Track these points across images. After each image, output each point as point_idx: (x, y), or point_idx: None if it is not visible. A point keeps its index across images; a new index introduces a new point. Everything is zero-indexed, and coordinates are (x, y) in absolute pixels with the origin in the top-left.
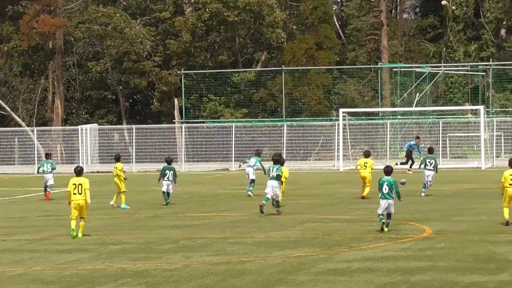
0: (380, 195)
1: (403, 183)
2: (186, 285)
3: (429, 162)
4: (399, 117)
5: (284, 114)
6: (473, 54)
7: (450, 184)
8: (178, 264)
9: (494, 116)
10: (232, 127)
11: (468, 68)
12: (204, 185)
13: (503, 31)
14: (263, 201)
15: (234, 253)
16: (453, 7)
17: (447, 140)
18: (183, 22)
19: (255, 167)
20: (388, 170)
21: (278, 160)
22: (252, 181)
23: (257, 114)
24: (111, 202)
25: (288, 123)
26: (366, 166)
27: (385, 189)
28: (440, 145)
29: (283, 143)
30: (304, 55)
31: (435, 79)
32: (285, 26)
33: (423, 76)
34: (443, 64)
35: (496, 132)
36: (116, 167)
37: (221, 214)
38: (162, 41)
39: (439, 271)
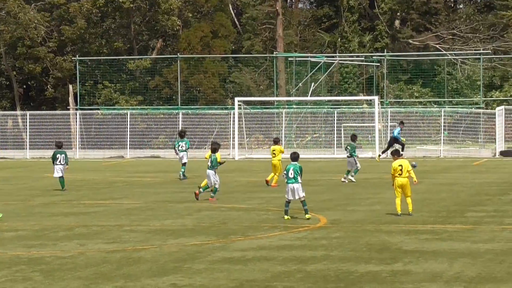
0: (286, 180)
1: (414, 166)
2: (81, 273)
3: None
4: (294, 106)
5: (179, 102)
6: (368, 44)
7: (343, 174)
8: (73, 251)
9: (389, 106)
10: (127, 114)
11: (363, 58)
12: (99, 172)
13: (397, 22)
14: (201, 189)
15: (129, 241)
16: None
17: (342, 130)
18: (78, 8)
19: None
20: (294, 157)
21: (215, 149)
22: (184, 164)
23: (153, 102)
24: None
25: (184, 111)
26: (275, 154)
27: (291, 173)
28: (335, 135)
29: (178, 131)
30: (200, 43)
31: (330, 69)
32: (180, 13)
33: (318, 66)
34: (338, 54)
35: (390, 122)
36: None
37: (117, 202)
38: (57, 26)
39: (334, 260)
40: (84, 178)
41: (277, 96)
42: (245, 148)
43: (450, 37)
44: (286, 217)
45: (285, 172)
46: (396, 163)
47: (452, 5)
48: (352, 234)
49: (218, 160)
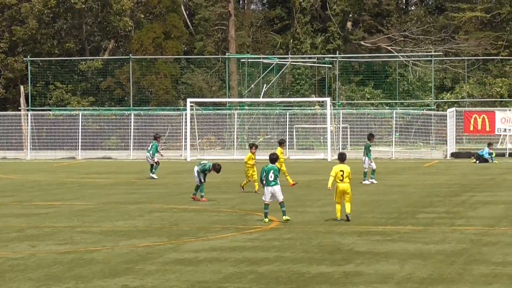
0: (264, 182)
1: None
2: (32, 274)
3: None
4: (246, 107)
5: (131, 103)
6: (320, 46)
7: (296, 175)
8: (24, 253)
9: (340, 108)
10: (79, 115)
11: (315, 60)
12: (51, 173)
13: (349, 24)
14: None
15: (81, 242)
16: None
17: (294, 131)
18: (29, 8)
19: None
20: (273, 158)
21: None
22: (157, 163)
23: (104, 103)
24: None
25: (136, 112)
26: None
27: (271, 176)
28: (287, 137)
29: (130, 132)
30: (152, 44)
31: (282, 71)
32: (132, 14)
33: (271, 67)
34: (290, 56)
35: (342, 124)
36: None
37: (68, 203)
38: (8, 27)
39: (286, 261)
40: (35, 179)
41: (229, 97)
42: (197, 149)
43: (402, 39)
44: (266, 220)
45: (264, 174)
46: (337, 168)
47: (404, 7)
48: (304, 235)
49: None
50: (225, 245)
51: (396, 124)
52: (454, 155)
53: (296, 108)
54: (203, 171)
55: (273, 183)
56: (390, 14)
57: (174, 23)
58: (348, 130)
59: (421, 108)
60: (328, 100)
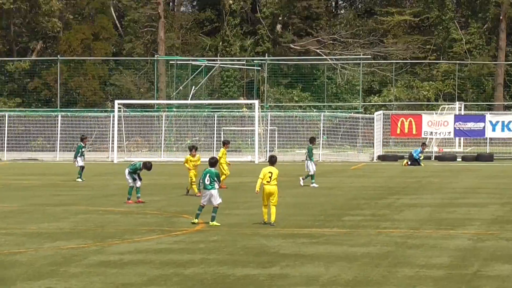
0: (202, 186)
1: None
2: None
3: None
4: (174, 109)
5: (59, 104)
6: (249, 48)
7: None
8: None
9: (269, 110)
10: (5, 116)
11: (244, 62)
12: None
13: (279, 27)
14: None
15: (4, 244)
16: (230, 1)
17: (222, 133)
18: None
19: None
20: (212, 162)
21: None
22: (81, 168)
23: (31, 104)
24: None
25: (63, 113)
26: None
27: (207, 180)
28: (215, 139)
29: (57, 134)
30: (80, 45)
31: (211, 73)
32: (61, 15)
33: (199, 70)
34: (219, 58)
35: (270, 126)
36: None
37: None
38: None
39: (211, 264)
40: None
41: (157, 99)
42: (124, 151)
43: (331, 42)
44: (195, 220)
45: (202, 177)
46: (266, 169)
47: (333, 10)
48: (230, 237)
49: None
50: (151, 247)
51: (323, 126)
52: (381, 158)
53: (225, 110)
54: (134, 171)
55: (209, 186)
56: (319, 17)
57: (103, 25)
58: (276, 132)
59: (349, 111)
60: (256, 102)
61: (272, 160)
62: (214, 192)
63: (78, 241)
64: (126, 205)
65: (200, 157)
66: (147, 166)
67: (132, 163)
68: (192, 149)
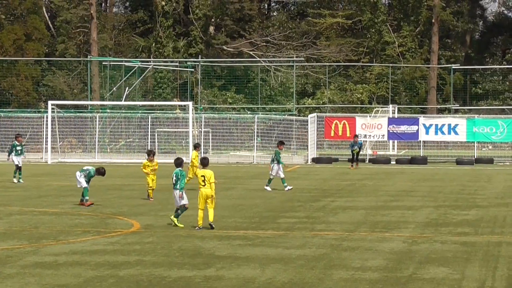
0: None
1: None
2: None
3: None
4: (108, 111)
5: None
6: (182, 50)
7: (158, 179)
8: None
9: (203, 112)
10: None
11: (177, 64)
12: None
13: (211, 28)
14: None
15: None
16: (163, 3)
17: (156, 135)
18: None
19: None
20: (178, 163)
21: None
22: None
23: None
24: None
25: None
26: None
27: (174, 180)
28: (149, 140)
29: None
30: (13, 45)
31: (144, 74)
32: None
33: (133, 71)
34: (152, 59)
35: (204, 128)
36: None
37: None
38: None
39: (147, 265)
40: None
41: (91, 100)
42: (58, 152)
43: (264, 44)
44: (178, 224)
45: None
46: (199, 173)
47: (266, 12)
48: (165, 239)
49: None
50: (86, 249)
51: (257, 129)
52: (315, 160)
53: (158, 111)
54: (89, 178)
55: (176, 186)
56: (252, 19)
57: (35, 25)
58: (210, 134)
59: (283, 113)
60: (190, 104)
61: (204, 163)
62: (177, 192)
63: (13, 242)
64: (85, 207)
65: (157, 162)
66: (101, 172)
67: (84, 168)
68: (150, 153)
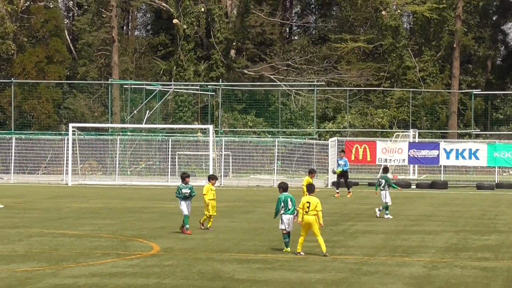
0: (283, 211)
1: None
2: None
3: (381, 181)
4: (128, 133)
5: (13, 127)
6: (203, 73)
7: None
8: None
9: (223, 135)
10: None
11: (198, 87)
12: None
13: (232, 52)
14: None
15: None
16: (184, 26)
17: (176, 158)
18: None
19: None
20: (286, 187)
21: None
22: None
23: None
24: None
25: (17, 136)
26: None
27: (290, 205)
28: (169, 163)
29: (11, 156)
30: (34, 68)
31: (165, 97)
32: (15, 37)
33: (154, 94)
34: (173, 83)
35: (224, 151)
36: None
37: None
38: None
39: None
40: None
41: (111, 123)
42: (79, 174)
43: (285, 68)
44: (287, 249)
45: (281, 204)
46: (304, 199)
47: (287, 36)
48: (185, 262)
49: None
50: (105, 271)
51: (278, 152)
52: (335, 184)
53: (179, 135)
54: (185, 194)
55: (290, 211)
56: (273, 43)
57: (57, 48)
58: (230, 157)
59: (303, 137)
60: (210, 127)
61: (311, 189)
62: (292, 217)
63: (33, 264)
64: (184, 234)
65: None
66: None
67: (184, 189)
68: (214, 177)
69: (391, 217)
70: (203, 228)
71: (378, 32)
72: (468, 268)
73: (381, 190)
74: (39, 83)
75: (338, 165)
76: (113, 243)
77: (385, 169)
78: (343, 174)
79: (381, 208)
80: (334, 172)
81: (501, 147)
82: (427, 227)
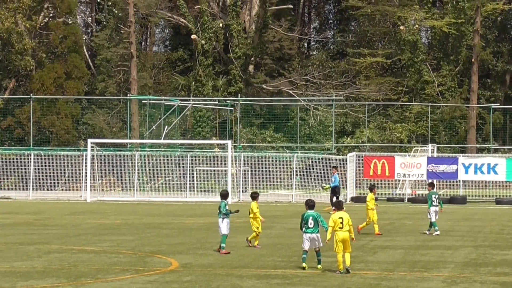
0: (304, 229)
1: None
2: None
3: (435, 198)
4: (147, 149)
5: (31, 143)
6: (222, 88)
7: (196, 217)
8: None
9: (241, 151)
10: None
11: (216, 102)
12: None
13: (251, 67)
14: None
15: None
16: (203, 42)
17: (195, 173)
18: None
19: None
20: (312, 204)
21: (224, 195)
22: None
23: (4, 142)
24: None
25: (36, 152)
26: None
27: (311, 223)
28: (188, 179)
29: (29, 172)
30: (53, 83)
31: (183, 112)
32: (34, 53)
33: (172, 109)
34: (191, 98)
35: (243, 166)
36: None
37: None
38: None
39: None
40: None
41: (130, 138)
42: (97, 190)
43: (303, 83)
44: (305, 265)
45: (303, 221)
46: (336, 215)
47: (306, 51)
48: (203, 278)
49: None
50: (124, 287)
51: (296, 167)
52: (354, 199)
53: (197, 150)
54: (226, 214)
55: (310, 230)
56: (292, 58)
57: (75, 63)
58: (249, 173)
59: (322, 152)
60: (229, 142)
61: (341, 206)
62: (317, 235)
63: (52, 280)
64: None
65: None
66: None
67: (223, 210)
68: (257, 195)
69: (439, 232)
70: (250, 245)
71: (396, 47)
72: (487, 283)
73: (434, 206)
74: (58, 99)
75: (332, 181)
76: (132, 259)
77: (432, 185)
78: (334, 190)
79: (429, 228)
80: (323, 188)
81: None
82: (446, 242)
